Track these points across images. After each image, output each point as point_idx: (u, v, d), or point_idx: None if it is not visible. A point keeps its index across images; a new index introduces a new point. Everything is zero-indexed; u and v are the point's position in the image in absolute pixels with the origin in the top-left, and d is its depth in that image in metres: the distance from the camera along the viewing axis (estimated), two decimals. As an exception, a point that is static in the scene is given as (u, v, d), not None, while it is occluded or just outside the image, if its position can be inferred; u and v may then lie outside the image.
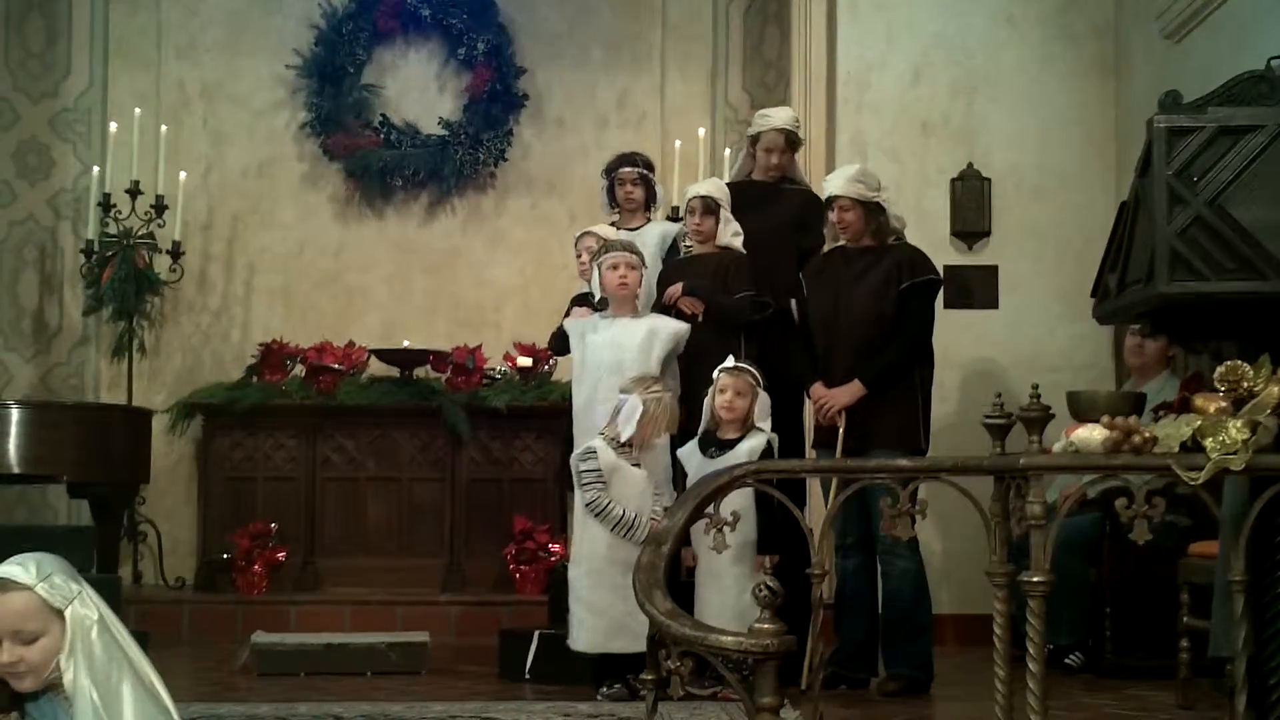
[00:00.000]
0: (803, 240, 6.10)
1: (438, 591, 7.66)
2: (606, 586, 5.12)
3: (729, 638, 2.80)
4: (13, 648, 2.66)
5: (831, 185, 5.67)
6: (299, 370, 7.98)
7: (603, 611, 5.15)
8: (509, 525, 7.71)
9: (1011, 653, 3.29)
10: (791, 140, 6.13)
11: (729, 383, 5.28)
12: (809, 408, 6.00)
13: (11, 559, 2.71)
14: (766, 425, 5.35)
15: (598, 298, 5.81)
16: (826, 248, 6.02)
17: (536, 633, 5.81)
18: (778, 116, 6.17)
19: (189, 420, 8.00)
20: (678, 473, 5.43)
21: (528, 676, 5.68)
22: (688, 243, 5.98)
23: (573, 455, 5.42)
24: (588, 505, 5.24)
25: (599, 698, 5.13)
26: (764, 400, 5.37)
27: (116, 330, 8.16)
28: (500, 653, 5.93)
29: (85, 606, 2.70)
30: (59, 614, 2.67)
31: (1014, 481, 3.18)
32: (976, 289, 7.32)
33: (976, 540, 3.74)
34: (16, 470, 6.81)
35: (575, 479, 5.32)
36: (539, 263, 8.56)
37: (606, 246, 5.72)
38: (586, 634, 5.24)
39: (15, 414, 6.80)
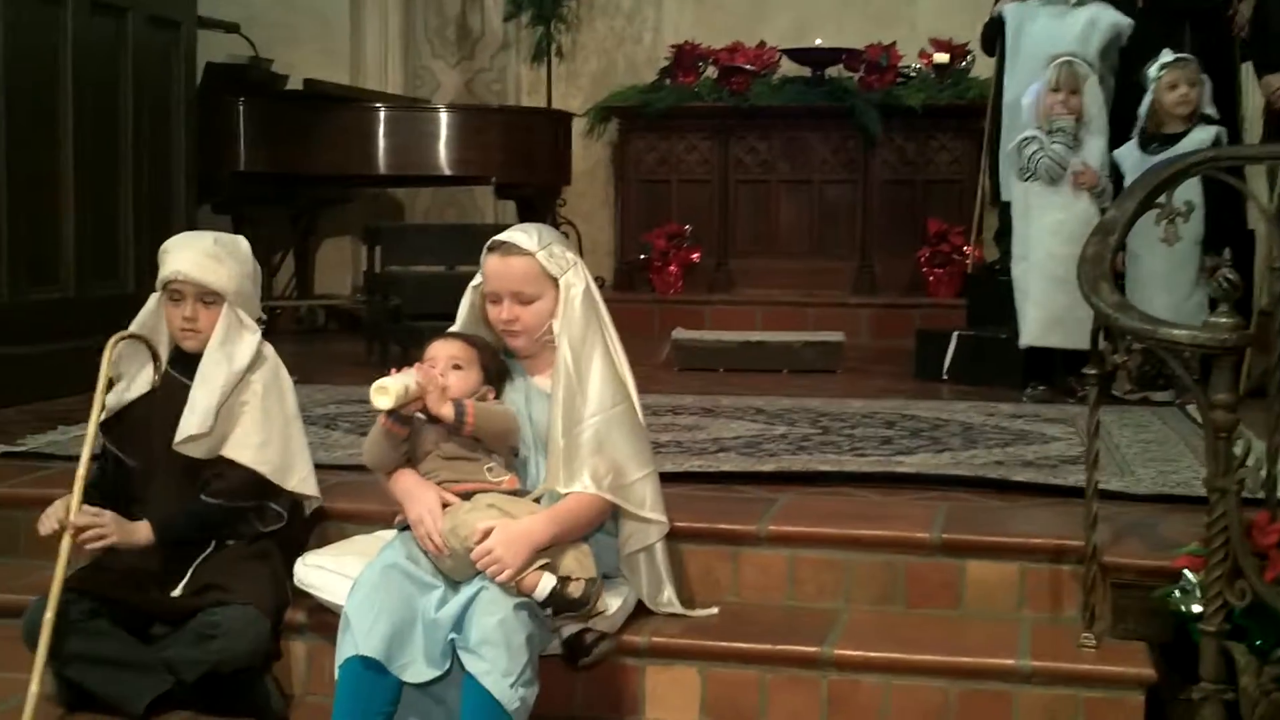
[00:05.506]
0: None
1: (849, 293, 7.67)
2: (1051, 279, 4.91)
3: (1182, 330, 2.65)
4: (511, 306, 2.83)
5: None
6: (710, 72, 7.96)
7: (1046, 305, 4.97)
8: (922, 228, 7.60)
9: None
10: None
11: (1179, 75, 4.96)
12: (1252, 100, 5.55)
13: (516, 225, 2.91)
14: (1213, 112, 4.97)
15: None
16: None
17: (955, 333, 5.73)
18: None
19: (605, 124, 8.16)
20: (1115, 174, 5.10)
21: (944, 377, 5.64)
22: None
23: (1010, 145, 5.20)
24: (1043, 173, 5.00)
25: (1024, 399, 5.02)
26: (1207, 87, 5.00)
27: (535, 35, 8.29)
28: (917, 353, 5.90)
29: (576, 277, 2.86)
30: (554, 281, 2.82)
31: None
32: None
33: None
34: (447, 172, 7.14)
35: (1021, 169, 5.06)
36: (960, -46, 8.12)
37: None
38: (1031, 327, 5.05)
39: (444, 118, 7.09)
